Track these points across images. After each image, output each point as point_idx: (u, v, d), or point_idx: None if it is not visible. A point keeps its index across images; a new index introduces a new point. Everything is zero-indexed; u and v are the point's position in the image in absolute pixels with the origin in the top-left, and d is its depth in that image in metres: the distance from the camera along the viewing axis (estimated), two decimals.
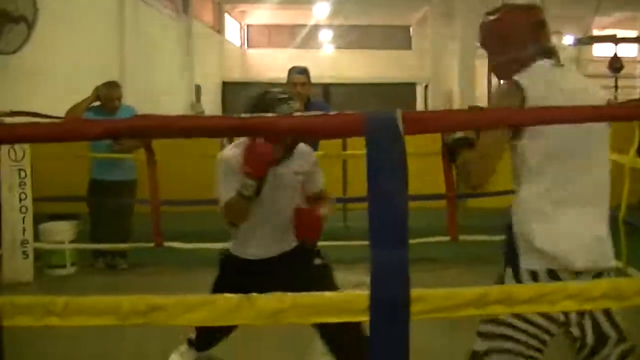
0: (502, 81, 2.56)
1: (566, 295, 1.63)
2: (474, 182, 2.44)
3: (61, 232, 6.26)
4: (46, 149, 6.67)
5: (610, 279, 1.71)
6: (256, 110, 3.11)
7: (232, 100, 21.01)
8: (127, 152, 6.26)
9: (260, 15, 24.02)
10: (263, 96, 3.17)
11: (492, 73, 2.71)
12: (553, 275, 2.33)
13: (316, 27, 24.03)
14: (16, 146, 5.65)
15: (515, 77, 2.41)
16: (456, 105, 20.75)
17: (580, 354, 2.40)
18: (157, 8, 15.32)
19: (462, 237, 6.48)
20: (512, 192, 2.47)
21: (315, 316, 1.57)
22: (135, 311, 1.55)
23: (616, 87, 13.43)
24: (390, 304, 1.56)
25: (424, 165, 5.64)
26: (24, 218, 5.76)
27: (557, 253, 2.32)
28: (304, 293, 1.59)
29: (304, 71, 5.92)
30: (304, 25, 23.66)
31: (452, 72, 21.85)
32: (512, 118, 1.61)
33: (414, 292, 1.56)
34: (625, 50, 17.30)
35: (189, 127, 1.47)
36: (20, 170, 5.74)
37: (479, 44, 2.67)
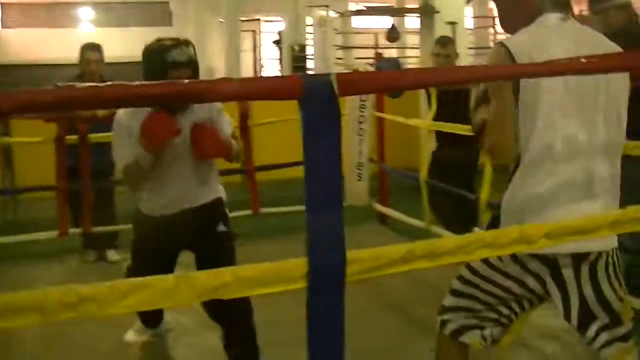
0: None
1: (483, 244, 1.72)
2: (498, 161, 2.33)
3: None
4: None
5: (517, 226, 1.81)
6: (149, 63, 3.03)
7: None
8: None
9: None
10: (151, 47, 3.07)
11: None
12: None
13: (74, 5, 22.91)
14: None
15: (505, 40, 2.26)
16: None
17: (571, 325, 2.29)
18: None
19: (263, 210, 6.57)
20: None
21: (257, 288, 1.52)
22: (65, 304, 1.41)
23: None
24: (329, 267, 1.56)
25: None
26: None
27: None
28: (243, 266, 1.53)
29: (97, 48, 5.64)
30: (61, 4, 22.45)
31: (216, 48, 21.83)
32: (432, 78, 1.65)
33: (349, 254, 1.57)
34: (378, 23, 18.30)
35: (120, 96, 1.36)
36: None
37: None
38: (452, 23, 8.41)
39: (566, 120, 2.17)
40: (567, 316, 2.24)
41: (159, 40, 3.10)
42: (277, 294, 1.55)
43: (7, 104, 1.26)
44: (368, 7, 10.94)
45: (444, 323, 2.48)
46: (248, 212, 6.23)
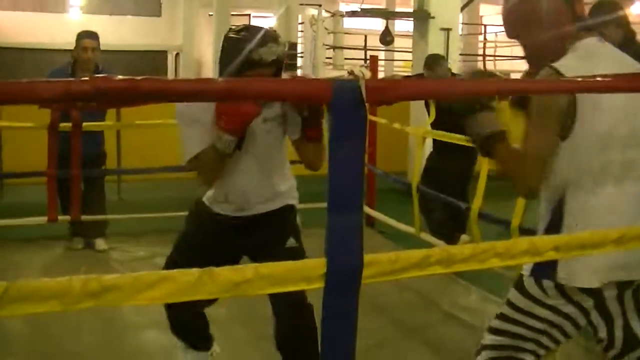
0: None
1: (494, 253, 1.75)
2: (521, 190, 2.22)
3: None
4: None
5: (527, 238, 1.84)
6: (231, 54, 2.75)
7: None
8: None
9: None
10: (237, 37, 2.79)
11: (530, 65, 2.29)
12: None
13: None
14: None
15: (555, 64, 2.12)
16: (208, 75, 20.73)
17: (608, 354, 2.26)
18: None
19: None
20: None
21: (277, 286, 1.54)
22: (88, 293, 1.42)
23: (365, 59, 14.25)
24: (346, 269, 1.58)
25: None
26: None
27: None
28: (265, 263, 1.55)
29: (94, 35, 5.62)
30: None
31: (205, 42, 21.78)
32: (474, 89, 1.66)
33: (366, 257, 1.60)
34: (372, 24, 18.33)
35: (158, 91, 1.38)
36: None
37: (510, 38, 2.31)
38: (447, 29, 8.45)
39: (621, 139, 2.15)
40: (610, 346, 2.22)
41: (246, 28, 2.83)
42: None
43: (48, 93, 1.28)
44: (362, 9, 10.93)
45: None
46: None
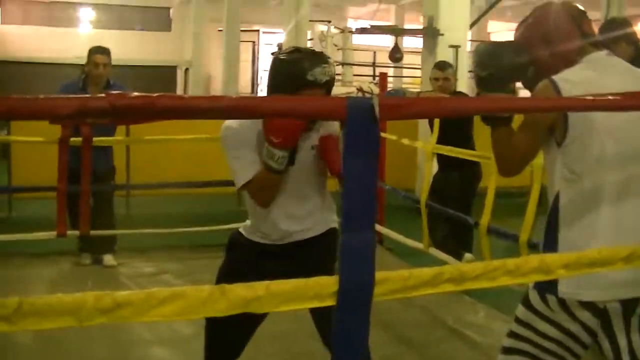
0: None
1: (505, 271, 1.75)
2: (500, 170, 2.38)
3: None
4: None
5: (537, 255, 1.84)
6: (283, 75, 2.75)
7: None
8: None
9: None
10: (289, 58, 2.78)
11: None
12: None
13: (75, 5, 22.91)
14: None
15: (555, 76, 2.20)
16: (217, 91, 20.81)
17: None
18: None
19: None
20: None
21: (288, 303, 1.54)
22: (101, 309, 1.43)
23: (373, 76, 14.29)
24: (359, 287, 1.58)
25: None
26: None
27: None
28: (276, 281, 1.55)
29: (106, 51, 5.66)
30: (62, 2, 22.45)
31: (213, 57, 21.88)
32: (492, 106, 1.66)
33: (378, 274, 1.60)
34: (379, 41, 18.39)
35: (174, 108, 1.38)
36: None
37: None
38: (455, 46, 8.46)
39: (620, 153, 2.18)
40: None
41: (297, 50, 2.85)
42: None
43: (64, 110, 1.28)
44: (372, 26, 10.97)
45: None
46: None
